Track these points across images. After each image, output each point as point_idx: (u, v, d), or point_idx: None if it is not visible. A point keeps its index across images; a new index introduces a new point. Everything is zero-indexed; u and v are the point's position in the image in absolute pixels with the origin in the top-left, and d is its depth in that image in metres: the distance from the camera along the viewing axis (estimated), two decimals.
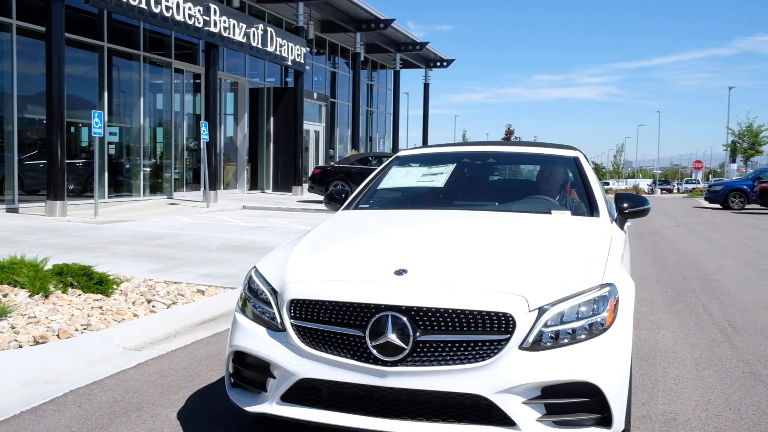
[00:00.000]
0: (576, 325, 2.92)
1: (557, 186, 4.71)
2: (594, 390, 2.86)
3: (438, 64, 41.74)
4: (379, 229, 3.98)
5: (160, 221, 13.97)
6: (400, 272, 3.07)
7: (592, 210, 4.20)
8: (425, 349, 2.88)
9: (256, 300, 3.34)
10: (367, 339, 2.92)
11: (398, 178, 4.88)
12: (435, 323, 2.88)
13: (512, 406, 2.82)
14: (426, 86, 42.37)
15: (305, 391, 3.06)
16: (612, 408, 2.87)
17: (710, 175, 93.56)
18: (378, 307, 2.93)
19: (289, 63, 23.50)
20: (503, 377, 2.82)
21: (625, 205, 4.31)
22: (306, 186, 24.33)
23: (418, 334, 2.88)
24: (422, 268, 3.11)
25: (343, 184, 20.69)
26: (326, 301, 3.03)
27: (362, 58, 32.72)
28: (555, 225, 3.95)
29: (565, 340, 2.89)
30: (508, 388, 2.82)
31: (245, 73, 24.79)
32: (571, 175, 4.71)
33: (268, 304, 3.25)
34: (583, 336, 2.91)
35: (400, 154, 5.16)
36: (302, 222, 15.19)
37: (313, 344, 3.04)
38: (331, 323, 3.02)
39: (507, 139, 51.63)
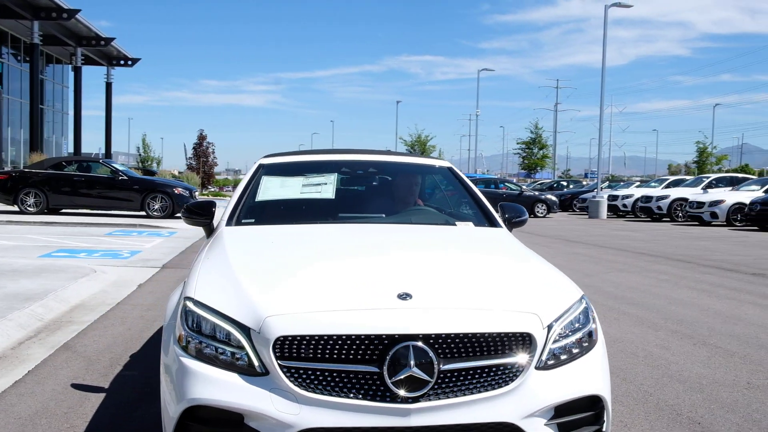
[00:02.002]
0: (573, 339, 2.86)
1: (436, 195, 4.64)
2: (597, 403, 2.84)
3: (122, 62, 39.07)
4: (327, 248, 3.50)
5: None
6: (404, 296, 2.70)
7: (490, 221, 4.20)
8: (448, 380, 2.58)
9: (207, 340, 2.69)
10: (386, 375, 2.53)
11: (275, 189, 4.34)
12: (457, 350, 2.59)
13: (537, 429, 2.68)
14: (108, 85, 39.38)
15: None
16: (607, 417, 2.89)
17: None
18: (393, 338, 2.56)
19: None
20: (528, 401, 2.65)
21: (509, 215, 4.38)
22: None
23: (441, 364, 2.58)
24: (424, 291, 2.78)
25: (37, 192, 18.25)
26: (326, 335, 2.54)
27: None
28: (484, 238, 3.87)
29: (565, 357, 2.82)
30: (533, 412, 2.66)
31: None
32: (447, 183, 4.67)
33: (235, 344, 2.63)
34: (578, 350, 2.87)
35: (265, 162, 4.58)
36: (5, 236, 13.03)
37: (312, 387, 2.53)
38: (333, 361, 2.54)
39: (200, 144, 50.32)
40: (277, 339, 2.55)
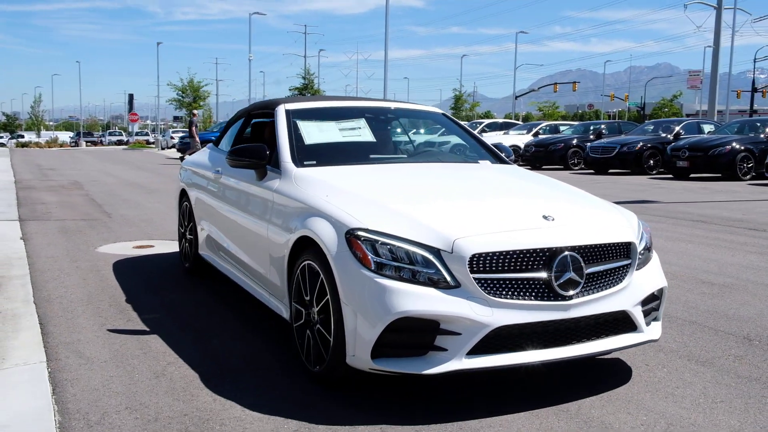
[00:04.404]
0: (643, 247, 3.69)
1: (436, 137, 5.19)
2: (659, 295, 3.72)
3: None
4: (431, 183, 3.97)
5: None
6: (548, 218, 3.33)
7: (499, 158, 4.88)
8: (590, 281, 3.29)
9: (392, 262, 3.11)
10: (552, 279, 3.17)
11: (316, 133, 4.57)
12: (594, 257, 3.30)
13: (638, 315, 3.48)
14: None
15: (490, 340, 3.11)
16: (663, 305, 3.80)
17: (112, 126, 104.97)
18: (552, 250, 3.20)
19: None
20: (634, 293, 3.44)
21: (506, 154, 5.10)
22: None
23: (586, 269, 3.27)
24: (557, 213, 3.41)
25: None
26: (505, 251, 3.11)
27: None
28: (527, 173, 4.53)
29: (641, 261, 3.64)
30: (637, 302, 3.46)
31: None
32: (443, 127, 5.26)
33: (420, 263, 3.09)
34: (645, 256, 3.70)
35: (290, 107, 4.69)
36: None
37: (498, 294, 3.09)
38: (512, 271, 3.12)
39: None
40: (473, 256, 3.08)
